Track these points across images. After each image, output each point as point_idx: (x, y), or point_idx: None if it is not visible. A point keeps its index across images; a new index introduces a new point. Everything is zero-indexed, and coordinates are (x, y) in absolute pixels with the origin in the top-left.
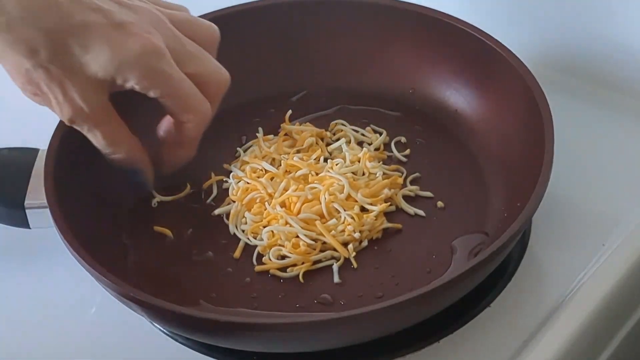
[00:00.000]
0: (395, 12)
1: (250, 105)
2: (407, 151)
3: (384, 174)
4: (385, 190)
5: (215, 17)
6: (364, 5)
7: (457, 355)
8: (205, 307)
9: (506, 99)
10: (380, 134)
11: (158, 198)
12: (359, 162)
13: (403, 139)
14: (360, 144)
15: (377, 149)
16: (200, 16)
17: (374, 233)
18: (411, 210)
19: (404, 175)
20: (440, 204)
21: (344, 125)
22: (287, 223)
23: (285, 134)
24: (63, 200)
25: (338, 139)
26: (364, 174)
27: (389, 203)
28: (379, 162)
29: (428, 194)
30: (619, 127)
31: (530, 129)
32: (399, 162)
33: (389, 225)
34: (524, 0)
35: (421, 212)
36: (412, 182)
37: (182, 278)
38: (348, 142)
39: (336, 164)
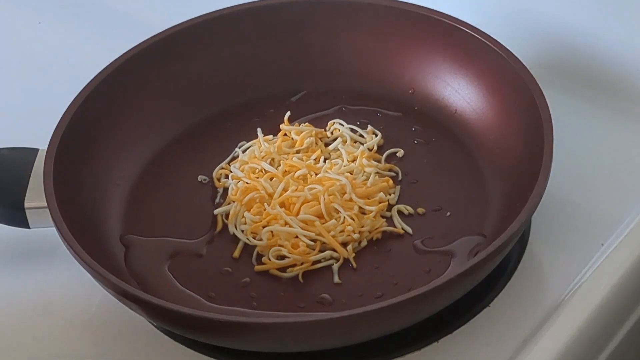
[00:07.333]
0: (395, 12)
1: (250, 106)
2: (400, 152)
3: (378, 174)
4: (381, 194)
5: (216, 17)
6: (364, 5)
7: (457, 355)
8: (205, 306)
9: (506, 100)
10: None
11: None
12: (355, 161)
13: (400, 153)
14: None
15: (370, 149)
16: (201, 16)
17: (373, 234)
18: (404, 222)
19: (399, 177)
20: (439, 204)
21: (341, 125)
22: (286, 223)
23: (285, 134)
24: (63, 200)
25: (336, 139)
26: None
27: (386, 202)
28: (374, 162)
29: (421, 210)
30: (619, 127)
31: (530, 129)
32: (398, 162)
33: (390, 228)
34: (524, 1)
35: (420, 212)
36: (410, 186)
37: (181, 277)
38: (344, 142)
39: (335, 164)
